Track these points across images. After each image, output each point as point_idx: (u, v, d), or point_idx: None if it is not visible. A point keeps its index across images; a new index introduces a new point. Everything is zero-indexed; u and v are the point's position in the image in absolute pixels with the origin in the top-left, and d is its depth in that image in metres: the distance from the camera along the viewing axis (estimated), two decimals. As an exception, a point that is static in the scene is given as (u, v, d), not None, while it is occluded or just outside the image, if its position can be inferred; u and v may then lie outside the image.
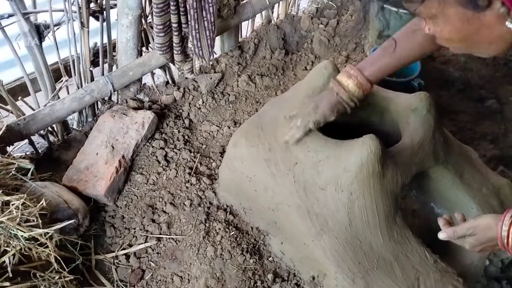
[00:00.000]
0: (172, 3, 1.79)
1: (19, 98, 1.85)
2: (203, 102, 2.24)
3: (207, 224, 1.71)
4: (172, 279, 1.59)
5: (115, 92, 2.07)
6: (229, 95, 2.31)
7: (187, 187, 1.85)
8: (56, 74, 1.95)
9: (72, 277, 1.43)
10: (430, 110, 1.43)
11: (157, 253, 1.66)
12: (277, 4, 2.64)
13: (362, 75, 1.30)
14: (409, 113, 1.45)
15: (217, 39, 2.27)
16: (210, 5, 1.88)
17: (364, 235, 1.33)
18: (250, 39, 2.53)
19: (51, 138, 2.01)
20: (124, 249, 1.67)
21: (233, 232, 1.68)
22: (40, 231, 1.35)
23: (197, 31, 1.92)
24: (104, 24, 1.92)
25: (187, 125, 2.15)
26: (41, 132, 1.89)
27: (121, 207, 1.79)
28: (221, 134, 2.13)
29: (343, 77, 1.33)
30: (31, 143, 1.89)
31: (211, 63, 2.36)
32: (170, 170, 1.91)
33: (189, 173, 1.91)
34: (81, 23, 1.81)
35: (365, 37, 2.59)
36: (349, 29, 2.59)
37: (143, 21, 1.98)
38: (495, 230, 0.98)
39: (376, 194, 1.31)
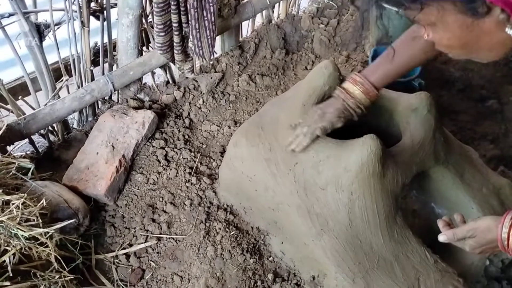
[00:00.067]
0: (172, 3, 1.79)
1: (20, 97, 1.85)
2: (203, 102, 2.24)
3: (207, 224, 1.71)
4: (172, 278, 1.59)
5: (116, 92, 2.07)
6: (230, 94, 2.31)
7: (187, 187, 1.85)
8: (56, 73, 1.95)
9: (72, 277, 1.44)
10: (431, 110, 1.43)
11: (157, 252, 1.66)
12: (277, 3, 2.64)
13: (369, 82, 1.31)
14: (409, 113, 1.44)
15: (218, 39, 2.27)
16: (211, 4, 1.88)
17: (365, 235, 1.33)
18: (251, 39, 2.53)
19: (52, 137, 2.01)
20: (124, 248, 1.67)
21: (233, 232, 1.68)
22: (40, 230, 1.35)
23: (197, 30, 1.91)
24: (105, 23, 1.92)
25: (187, 124, 2.15)
26: (42, 131, 1.89)
27: (121, 207, 1.79)
28: (221, 133, 2.13)
29: (349, 84, 1.33)
30: (32, 142, 1.89)
31: (211, 62, 2.36)
32: (171, 169, 1.91)
33: (190, 173, 1.91)
34: (82, 22, 1.81)
35: (365, 37, 2.59)
36: (348, 36, 2.59)
37: (144, 20, 1.98)
38: (495, 232, 0.98)
39: (377, 194, 1.30)
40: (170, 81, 2.27)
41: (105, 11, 1.88)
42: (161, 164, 1.93)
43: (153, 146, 1.98)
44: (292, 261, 1.60)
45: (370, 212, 1.31)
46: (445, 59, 2.64)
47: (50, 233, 1.38)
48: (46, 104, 1.84)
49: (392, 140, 1.43)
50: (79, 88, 1.94)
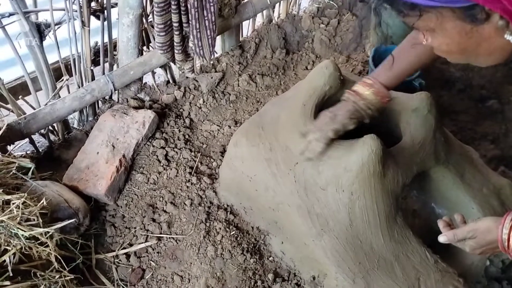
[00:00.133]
0: (173, 3, 1.79)
1: (20, 97, 1.85)
2: (203, 102, 2.24)
3: (207, 224, 1.71)
4: (173, 278, 1.59)
5: (116, 91, 2.07)
6: (230, 94, 2.31)
7: (187, 187, 1.85)
8: (56, 73, 1.94)
9: (73, 276, 1.44)
10: (431, 110, 1.43)
11: (158, 252, 1.66)
12: (278, 3, 2.64)
13: (379, 82, 1.30)
14: (410, 113, 1.44)
15: (218, 39, 2.27)
16: (211, 4, 1.87)
17: (365, 235, 1.33)
18: (251, 39, 2.53)
19: (52, 137, 2.01)
20: (124, 248, 1.67)
21: (233, 232, 1.68)
22: (41, 230, 1.35)
23: (198, 30, 1.91)
24: (105, 23, 1.92)
25: (187, 124, 2.15)
26: (42, 131, 1.89)
27: (121, 207, 1.79)
28: (221, 133, 2.12)
29: (359, 87, 1.32)
30: (32, 142, 1.89)
31: (212, 62, 2.36)
32: (171, 169, 1.91)
33: (190, 173, 1.91)
34: (82, 22, 1.81)
35: (366, 37, 2.59)
36: (347, 41, 2.60)
37: (144, 20, 1.98)
38: (495, 233, 0.98)
39: (377, 194, 1.30)
40: (171, 81, 2.27)
41: (105, 11, 1.88)
42: (162, 164, 1.93)
43: (153, 146, 1.98)
44: (292, 261, 1.60)
45: (370, 212, 1.31)
46: (445, 59, 2.63)
47: (50, 233, 1.38)
48: (46, 104, 1.84)
49: (393, 140, 1.43)
50: (79, 87, 1.94)
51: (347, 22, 2.68)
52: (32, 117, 1.77)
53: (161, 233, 1.71)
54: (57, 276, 1.39)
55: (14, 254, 1.32)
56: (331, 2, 2.76)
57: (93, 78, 2.00)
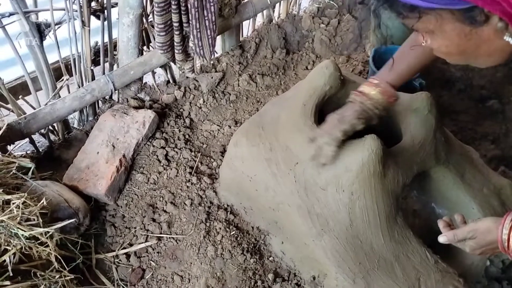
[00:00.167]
0: (173, 2, 1.79)
1: (20, 97, 1.85)
2: (204, 102, 2.24)
3: (207, 224, 1.71)
4: (173, 278, 1.59)
5: (116, 91, 2.07)
6: (230, 94, 2.31)
7: (187, 187, 1.85)
8: (57, 73, 1.94)
9: (73, 276, 1.43)
10: (431, 110, 1.43)
11: (158, 252, 1.66)
12: (278, 3, 2.64)
13: (385, 82, 1.29)
14: (410, 113, 1.44)
15: (218, 38, 2.27)
16: (212, 4, 1.87)
17: (365, 235, 1.33)
18: (251, 39, 2.53)
19: (52, 137, 2.00)
20: (124, 248, 1.67)
21: (233, 232, 1.68)
22: (41, 230, 1.34)
23: (198, 30, 1.91)
24: (105, 23, 1.92)
25: (188, 124, 2.15)
26: (42, 131, 1.89)
27: (121, 206, 1.79)
28: (222, 133, 2.12)
29: (365, 87, 1.32)
30: (32, 142, 1.89)
31: (212, 62, 2.36)
32: (171, 169, 1.91)
33: (190, 173, 1.91)
34: (82, 22, 1.81)
35: (366, 37, 2.59)
36: (346, 43, 2.59)
37: (144, 20, 1.98)
38: (495, 234, 0.98)
39: (377, 194, 1.30)
40: (171, 81, 2.27)
41: (105, 11, 1.88)
42: (162, 164, 1.93)
43: (153, 146, 1.98)
44: (292, 261, 1.60)
45: (370, 212, 1.31)
46: (445, 60, 2.63)
47: (50, 233, 1.38)
48: (46, 104, 1.83)
49: (393, 140, 1.43)
50: (79, 87, 1.94)
51: (348, 22, 2.68)
52: (32, 117, 1.77)
53: (161, 233, 1.70)
54: (57, 276, 1.39)
55: (14, 254, 1.31)
56: (331, 2, 2.76)
57: (93, 78, 2.00)
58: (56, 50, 1.84)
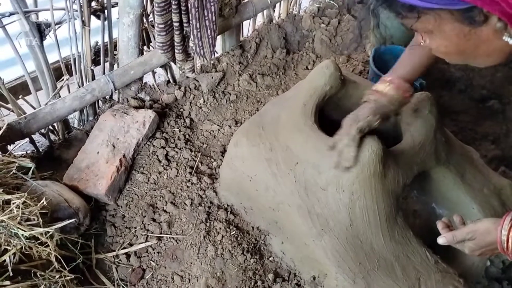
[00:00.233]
0: (173, 2, 1.79)
1: (20, 96, 1.84)
2: (204, 101, 2.24)
3: (207, 224, 1.71)
4: (173, 278, 1.59)
5: (116, 91, 2.07)
6: (230, 94, 2.31)
7: (187, 187, 1.85)
8: (57, 72, 1.94)
9: (73, 276, 1.43)
10: (432, 110, 1.43)
11: (158, 252, 1.66)
12: (278, 3, 2.63)
13: (398, 77, 1.28)
14: (410, 113, 1.44)
15: (219, 38, 2.26)
16: (212, 4, 1.87)
17: (365, 235, 1.33)
18: (252, 38, 2.53)
19: (52, 137, 2.00)
20: (124, 248, 1.67)
21: (233, 232, 1.68)
22: (41, 230, 1.34)
23: (198, 30, 1.91)
24: (105, 22, 1.91)
25: (188, 124, 2.15)
26: (42, 131, 1.88)
27: (121, 206, 1.79)
28: (222, 133, 2.12)
29: (378, 85, 1.30)
30: (32, 141, 1.89)
31: (212, 62, 2.36)
32: (171, 169, 1.91)
33: (190, 173, 1.90)
34: (82, 21, 1.80)
35: (366, 37, 2.59)
36: (347, 43, 2.59)
37: (145, 20, 1.98)
38: (494, 235, 0.98)
39: (377, 194, 1.30)
40: (171, 81, 2.27)
41: (106, 10, 1.87)
42: (162, 164, 1.93)
43: (153, 146, 1.98)
44: (292, 261, 1.60)
45: (371, 212, 1.31)
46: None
47: (50, 233, 1.38)
48: (46, 104, 1.83)
49: (393, 140, 1.43)
50: (79, 87, 1.94)
51: (348, 22, 2.68)
52: (33, 117, 1.76)
53: (161, 233, 1.70)
54: (57, 276, 1.39)
55: (14, 254, 1.31)
56: (331, 2, 2.75)
57: (93, 78, 2.00)
58: (56, 50, 1.84)
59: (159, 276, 1.61)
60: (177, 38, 1.95)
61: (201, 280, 1.56)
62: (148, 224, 1.73)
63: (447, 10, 0.72)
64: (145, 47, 2.13)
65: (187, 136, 2.08)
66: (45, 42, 1.80)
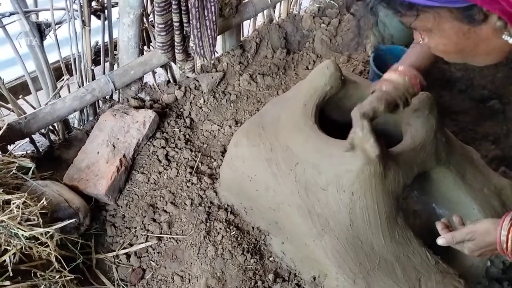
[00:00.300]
0: (174, 2, 1.79)
1: (20, 96, 1.84)
2: (204, 101, 2.24)
3: (208, 224, 1.71)
4: (173, 278, 1.59)
5: (116, 91, 2.07)
6: (231, 94, 2.31)
7: (188, 187, 1.85)
8: (57, 72, 1.94)
9: (73, 276, 1.43)
10: (432, 111, 1.42)
11: (158, 252, 1.66)
12: (278, 3, 2.63)
13: (404, 64, 1.26)
14: (411, 113, 1.44)
15: (219, 38, 2.26)
16: (212, 4, 1.87)
17: (366, 235, 1.33)
18: (252, 38, 2.53)
19: (52, 137, 2.00)
20: (124, 248, 1.67)
21: (234, 232, 1.67)
22: (41, 230, 1.34)
23: (198, 30, 1.91)
24: (106, 22, 1.91)
25: (188, 124, 2.15)
26: (42, 130, 1.88)
27: (122, 206, 1.79)
28: (222, 133, 2.12)
29: (386, 74, 1.29)
30: (32, 141, 1.89)
31: (212, 62, 2.36)
32: (171, 169, 1.91)
33: (190, 173, 1.90)
34: (83, 21, 1.80)
35: (367, 36, 2.58)
36: (346, 43, 2.58)
37: (145, 20, 1.98)
38: (494, 235, 0.98)
39: (378, 195, 1.30)
40: (171, 81, 2.27)
41: (106, 10, 1.87)
42: (162, 164, 1.93)
43: (154, 146, 1.98)
44: (292, 261, 1.60)
45: (371, 212, 1.31)
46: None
47: (50, 233, 1.38)
48: (46, 103, 1.83)
49: (394, 140, 1.43)
50: (80, 87, 1.94)
51: (348, 22, 2.67)
52: (33, 117, 1.76)
53: (161, 233, 1.70)
54: (57, 276, 1.39)
55: (14, 254, 1.31)
56: (332, 1, 2.75)
57: (93, 78, 2.00)
58: (57, 50, 1.84)
59: (159, 276, 1.61)
60: (177, 38, 1.95)
61: (201, 280, 1.56)
62: (148, 224, 1.73)
63: (446, 9, 0.72)
64: (145, 47, 2.13)
65: (187, 136, 2.08)
66: (45, 42, 1.80)
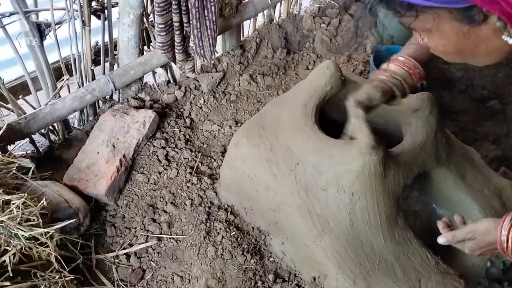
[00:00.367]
0: (174, 2, 1.79)
1: (20, 96, 1.84)
2: (204, 101, 2.24)
3: (208, 224, 1.71)
4: (173, 279, 1.59)
5: (116, 91, 2.07)
6: (231, 94, 2.31)
7: (188, 187, 1.85)
8: (57, 72, 1.94)
9: (73, 277, 1.43)
10: (432, 111, 1.42)
11: (158, 253, 1.66)
12: (279, 3, 2.63)
13: (403, 55, 1.26)
14: (411, 113, 1.44)
15: (219, 38, 2.26)
16: (212, 4, 1.87)
17: (366, 236, 1.33)
18: (252, 38, 2.52)
19: (52, 137, 2.00)
20: (124, 248, 1.67)
21: (234, 232, 1.67)
22: (41, 230, 1.34)
23: (198, 30, 1.91)
24: (106, 22, 1.91)
25: (188, 124, 2.15)
26: (42, 131, 1.88)
27: (121, 207, 1.79)
28: (222, 133, 2.12)
29: (384, 64, 1.28)
30: (32, 142, 1.88)
31: (212, 62, 2.36)
32: (171, 169, 1.91)
33: (190, 173, 1.90)
34: (83, 21, 1.80)
35: (367, 36, 2.58)
36: (345, 44, 2.58)
37: (145, 20, 1.98)
38: (494, 234, 0.98)
39: (378, 195, 1.30)
40: (171, 81, 2.27)
41: (106, 10, 1.87)
42: (162, 164, 1.93)
43: (154, 146, 1.98)
44: (292, 261, 1.59)
45: (371, 213, 1.31)
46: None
47: (50, 233, 1.38)
48: (46, 104, 1.83)
49: (394, 140, 1.43)
50: (79, 87, 1.94)
51: (348, 22, 2.67)
52: (33, 117, 1.76)
53: (161, 234, 1.70)
54: (57, 277, 1.39)
55: (14, 254, 1.31)
56: (332, 1, 2.75)
57: (93, 78, 1.99)
58: (57, 50, 1.84)
59: (159, 276, 1.61)
60: (177, 38, 1.95)
61: (201, 280, 1.56)
62: (148, 225, 1.72)
63: (446, 9, 0.72)
64: (145, 47, 2.13)
65: (187, 136, 2.08)
66: (45, 42, 1.80)
